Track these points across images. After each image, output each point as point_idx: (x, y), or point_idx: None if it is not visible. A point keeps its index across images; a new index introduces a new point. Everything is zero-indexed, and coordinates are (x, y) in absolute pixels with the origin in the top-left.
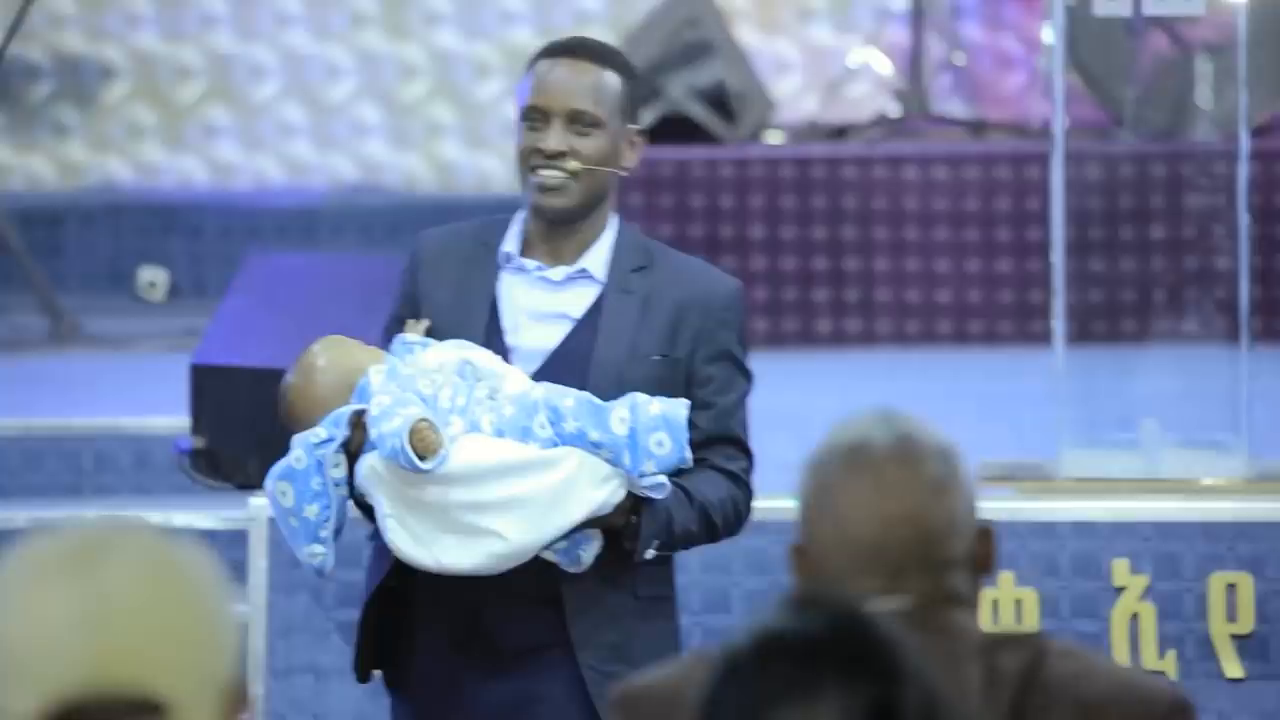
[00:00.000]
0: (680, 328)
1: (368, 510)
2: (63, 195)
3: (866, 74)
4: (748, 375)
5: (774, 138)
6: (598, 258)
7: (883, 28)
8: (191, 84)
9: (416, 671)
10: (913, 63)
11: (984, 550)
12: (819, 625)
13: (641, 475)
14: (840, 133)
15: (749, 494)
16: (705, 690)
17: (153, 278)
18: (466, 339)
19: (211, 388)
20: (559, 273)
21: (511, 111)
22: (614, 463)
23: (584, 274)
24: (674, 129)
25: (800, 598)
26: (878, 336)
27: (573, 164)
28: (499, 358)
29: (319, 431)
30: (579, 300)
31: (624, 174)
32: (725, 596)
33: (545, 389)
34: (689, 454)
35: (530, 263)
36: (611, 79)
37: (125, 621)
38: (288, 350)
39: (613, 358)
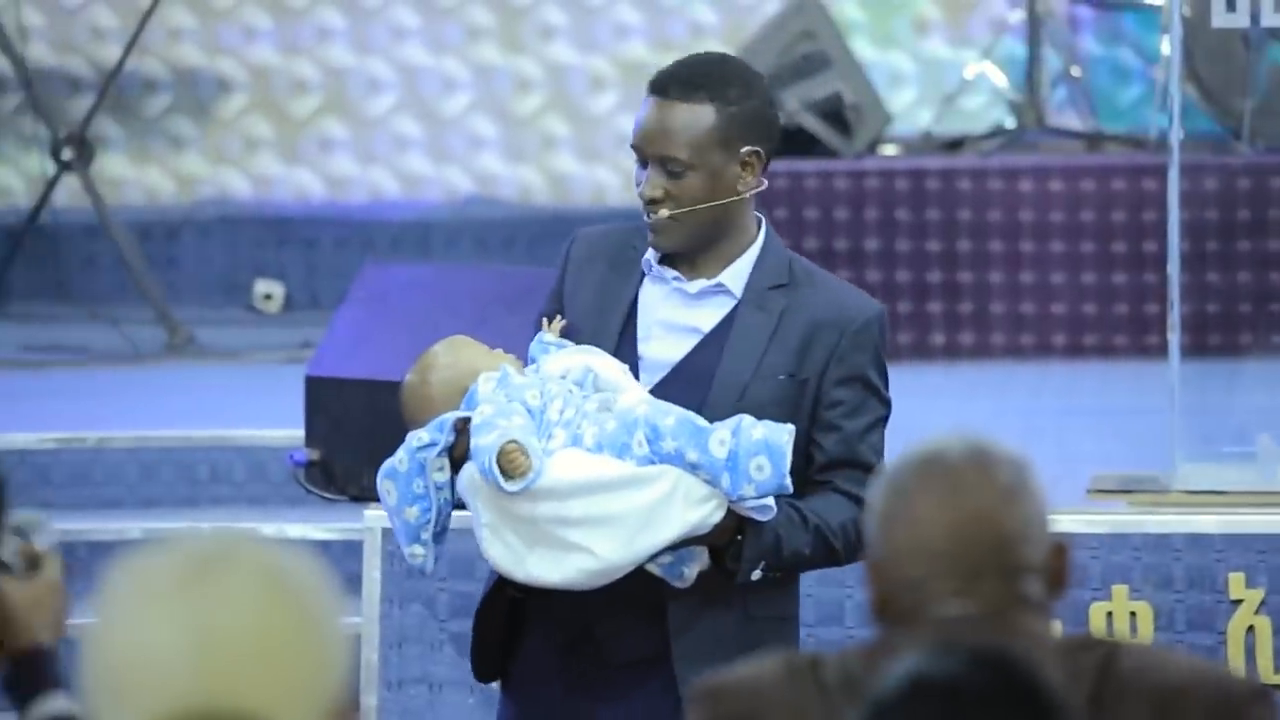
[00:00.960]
0: (812, 347)
1: None
2: (179, 208)
3: (982, 86)
4: (884, 401)
5: (889, 150)
6: (737, 273)
7: (999, 40)
8: (308, 97)
9: (523, 675)
10: (1029, 75)
11: (1058, 565)
12: (963, 666)
13: (741, 499)
14: (955, 145)
15: None
16: None
17: (268, 290)
18: (601, 343)
19: (326, 399)
20: (695, 285)
21: (627, 124)
22: (712, 484)
23: (720, 288)
24: (789, 142)
25: (934, 637)
26: (992, 349)
27: (664, 211)
28: (625, 369)
29: (422, 435)
30: (712, 314)
31: (744, 197)
32: (839, 609)
33: (650, 405)
34: (789, 481)
35: (669, 272)
36: (703, 114)
37: (232, 645)
38: (402, 362)
39: (737, 375)
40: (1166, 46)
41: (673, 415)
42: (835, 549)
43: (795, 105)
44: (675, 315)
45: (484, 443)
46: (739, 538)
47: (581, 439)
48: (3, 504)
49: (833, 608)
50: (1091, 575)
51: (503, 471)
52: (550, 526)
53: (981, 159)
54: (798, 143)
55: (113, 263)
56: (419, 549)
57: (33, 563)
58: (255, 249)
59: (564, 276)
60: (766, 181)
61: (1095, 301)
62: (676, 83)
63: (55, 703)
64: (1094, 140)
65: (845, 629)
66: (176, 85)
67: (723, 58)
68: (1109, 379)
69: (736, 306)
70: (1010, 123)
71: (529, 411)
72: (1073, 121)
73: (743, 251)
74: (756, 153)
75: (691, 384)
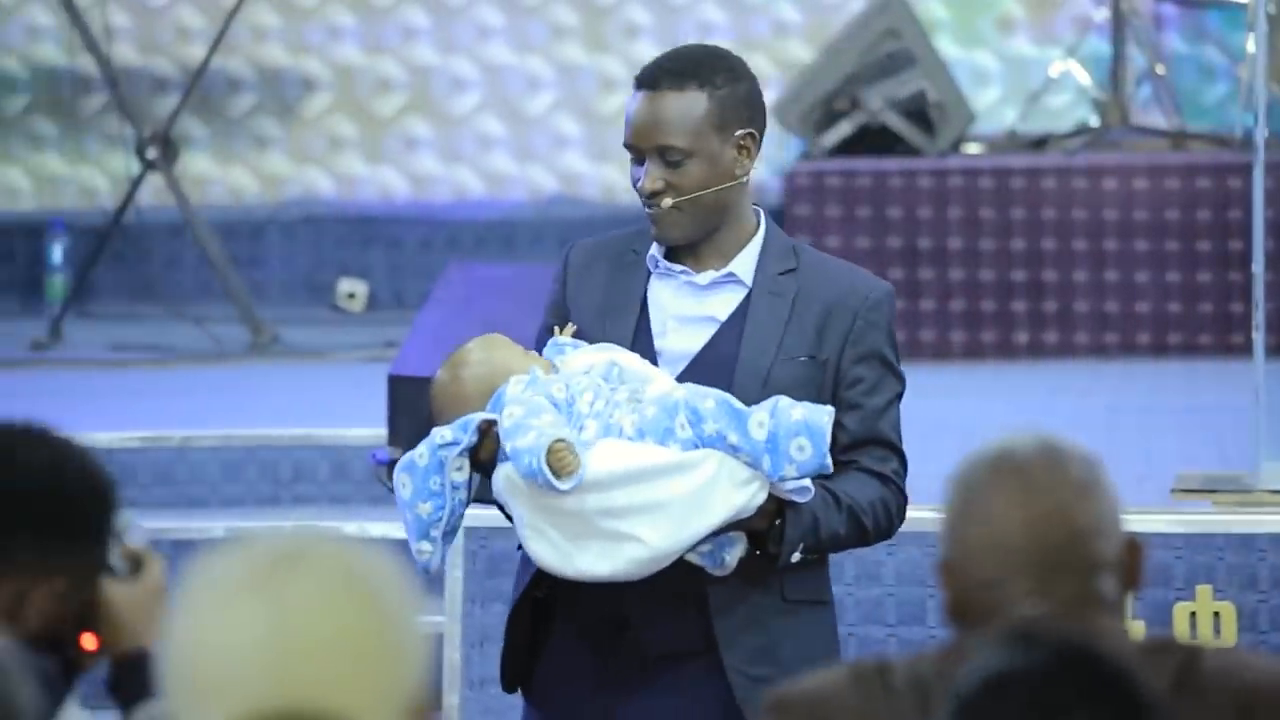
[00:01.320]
0: (828, 328)
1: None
2: (263, 207)
3: (1067, 84)
4: (899, 377)
5: (973, 148)
6: (745, 262)
7: (1083, 38)
8: (392, 97)
9: (549, 678)
10: (1113, 73)
11: (1132, 562)
12: (1046, 660)
13: (782, 479)
14: (1040, 143)
15: (901, 496)
16: None
17: (352, 289)
18: (616, 342)
19: (409, 398)
20: (705, 277)
21: None
22: (753, 466)
23: (731, 277)
24: (872, 140)
25: (1016, 632)
26: (1076, 348)
27: (667, 200)
28: (646, 361)
29: (445, 433)
30: (725, 303)
31: (741, 181)
32: (921, 608)
33: (688, 389)
34: (829, 461)
35: (677, 267)
36: (695, 100)
37: (310, 643)
38: None
39: (758, 359)
40: (1252, 44)
41: (712, 398)
42: (867, 529)
43: (879, 103)
44: (688, 307)
45: (524, 445)
46: (779, 521)
47: (618, 429)
48: (113, 506)
49: (915, 607)
50: (1175, 575)
51: (553, 470)
52: (597, 519)
53: (1066, 157)
54: (881, 141)
55: (197, 262)
56: (427, 545)
57: (135, 564)
58: (339, 248)
59: (565, 286)
60: (756, 166)
61: (1180, 300)
62: (665, 74)
63: (159, 707)
64: (1179, 138)
65: (928, 629)
66: (261, 85)
67: (704, 46)
68: (1193, 378)
69: (749, 294)
70: (1095, 121)
71: (555, 405)
72: (1157, 120)
73: (746, 241)
74: (751, 134)
75: (714, 372)
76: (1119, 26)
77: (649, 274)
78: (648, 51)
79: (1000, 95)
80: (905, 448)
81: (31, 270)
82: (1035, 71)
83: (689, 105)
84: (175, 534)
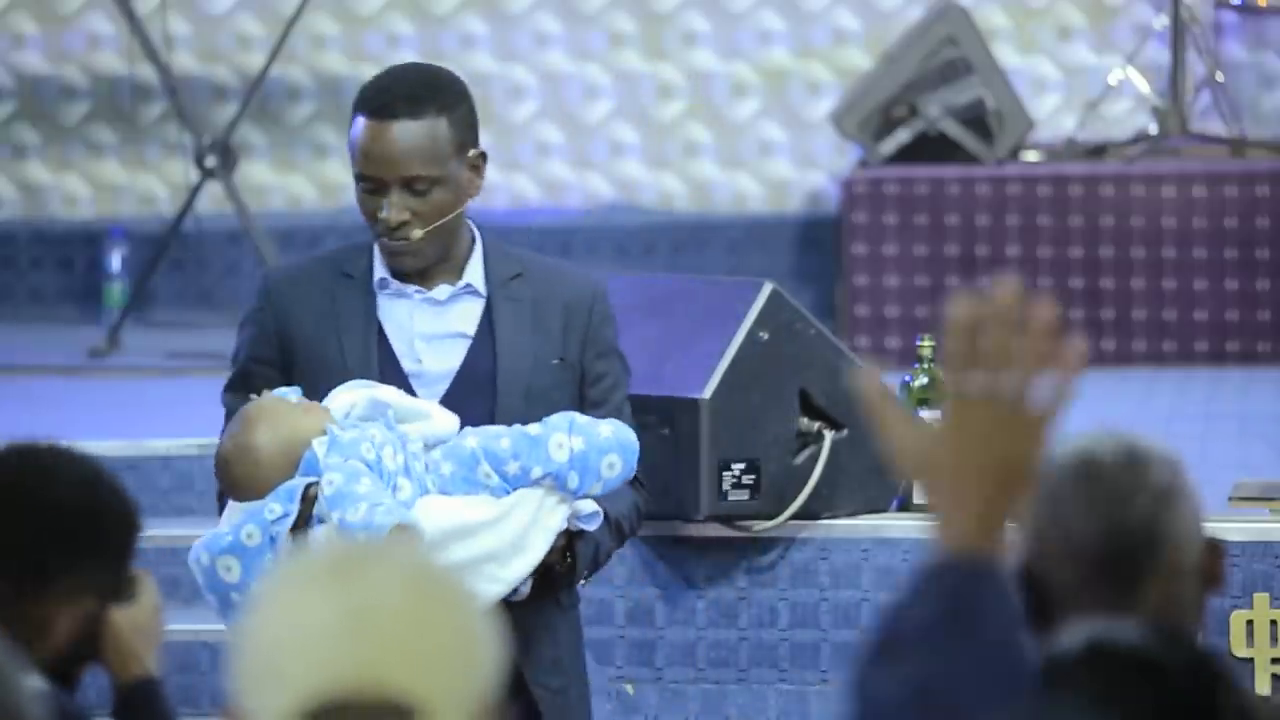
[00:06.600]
0: (569, 328)
1: None
2: (322, 214)
3: (1126, 92)
4: (628, 370)
5: (1031, 156)
6: (474, 272)
7: (1142, 46)
8: None
9: None
10: (1172, 81)
11: (1212, 565)
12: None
13: (588, 496)
14: (1098, 151)
15: (644, 491)
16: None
17: None
18: (358, 367)
19: None
20: (443, 292)
21: (770, 131)
22: (558, 489)
23: (468, 288)
24: (931, 148)
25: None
26: (1134, 356)
27: (417, 231)
28: (403, 392)
29: (274, 508)
30: (468, 316)
31: (473, 197)
32: None
33: (479, 435)
34: (634, 472)
35: (410, 287)
36: (435, 126)
37: (384, 628)
38: None
39: (517, 372)
40: None
41: (505, 436)
42: (625, 535)
43: (937, 111)
44: (433, 325)
45: (355, 519)
46: (568, 557)
47: (425, 485)
48: (138, 528)
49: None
50: (1232, 583)
51: None
52: None
53: (1124, 165)
54: (940, 149)
55: (255, 269)
56: None
57: (132, 586)
58: None
59: (272, 317)
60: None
61: (1238, 308)
62: (399, 100)
63: None
64: (1238, 146)
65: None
66: (320, 93)
67: (420, 66)
68: (1252, 386)
69: (488, 304)
70: (1154, 129)
71: (368, 466)
72: (1216, 127)
73: (469, 251)
74: (483, 154)
75: (476, 390)
76: (1178, 34)
77: (374, 295)
78: (706, 59)
79: (1059, 103)
80: None
81: (90, 278)
82: (1094, 79)
83: (430, 132)
84: None
